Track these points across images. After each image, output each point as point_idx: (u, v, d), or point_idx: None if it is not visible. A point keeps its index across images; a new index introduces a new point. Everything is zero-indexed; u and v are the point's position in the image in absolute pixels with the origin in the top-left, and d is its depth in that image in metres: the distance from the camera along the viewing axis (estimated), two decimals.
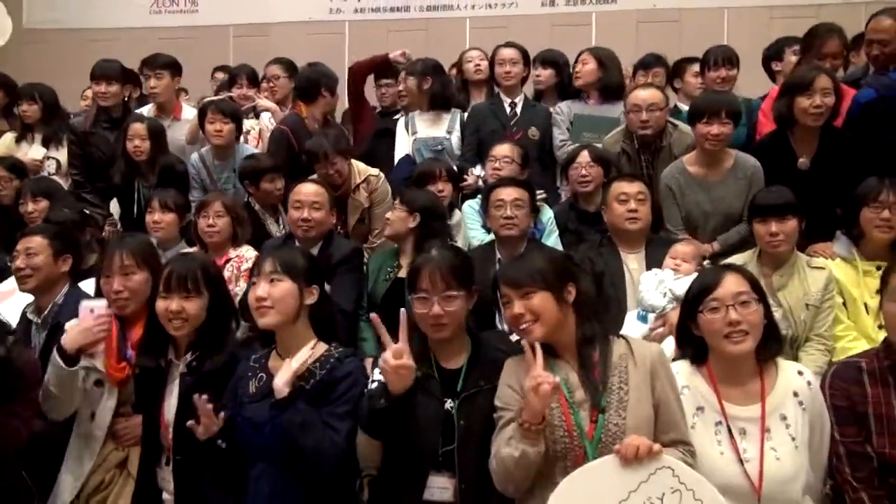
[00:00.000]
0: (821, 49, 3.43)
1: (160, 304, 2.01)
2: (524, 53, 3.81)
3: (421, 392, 1.76)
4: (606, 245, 2.85)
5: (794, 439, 1.78)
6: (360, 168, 3.35)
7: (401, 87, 4.13)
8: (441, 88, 3.76)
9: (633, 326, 2.55)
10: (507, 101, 3.70)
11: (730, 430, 1.80)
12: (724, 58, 3.69)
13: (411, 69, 3.85)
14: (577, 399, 1.73)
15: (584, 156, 3.20)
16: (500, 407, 1.76)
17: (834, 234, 2.83)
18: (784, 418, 1.80)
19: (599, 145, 3.35)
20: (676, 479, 1.53)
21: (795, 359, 2.45)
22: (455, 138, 3.70)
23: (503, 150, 3.25)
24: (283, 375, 1.81)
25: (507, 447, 1.67)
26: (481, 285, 1.97)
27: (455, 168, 3.44)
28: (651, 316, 2.56)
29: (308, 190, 2.83)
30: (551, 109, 3.74)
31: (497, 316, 2.46)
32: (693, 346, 1.89)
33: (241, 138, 3.83)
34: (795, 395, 1.82)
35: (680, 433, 1.73)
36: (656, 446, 1.57)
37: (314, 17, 6.75)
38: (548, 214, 3.24)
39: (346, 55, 6.25)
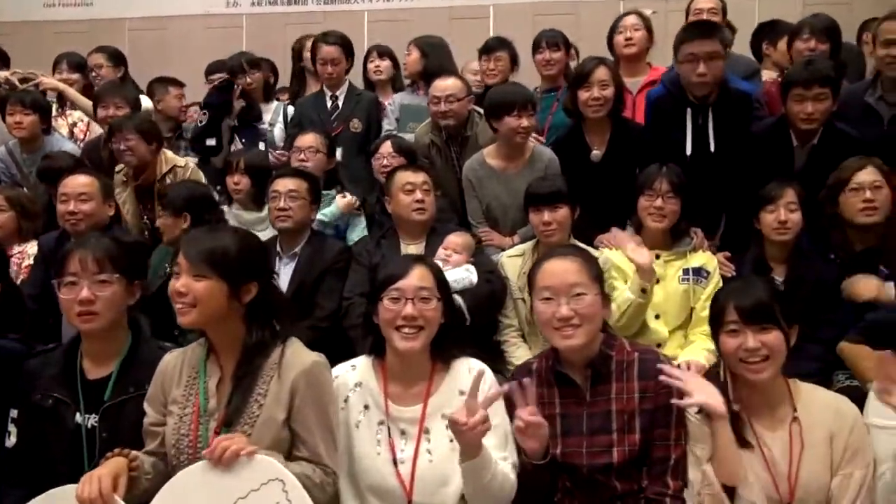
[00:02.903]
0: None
1: None
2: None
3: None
4: (389, 236, 2.80)
5: (452, 441, 1.70)
6: (168, 157, 3.29)
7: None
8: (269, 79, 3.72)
9: None
10: (328, 93, 3.64)
11: (389, 430, 1.73)
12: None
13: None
14: (211, 408, 1.63)
15: (387, 146, 3.16)
16: None
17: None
18: (446, 418, 1.71)
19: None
20: (284, 495, 1.45)
21: None
22: (278, 130, 3.65)
23: (307, 140, 3.19)
24: None
25: None
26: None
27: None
28: None
29: (74, 182, 2.74)
30: (385, 101, 3.70)
31: None
32: (374, 336, 1.81)
33: (69, 130, 3.75)
34: (462, 394, 1.74)
35: (312, 452, 1.61)
36: (249, 449, 1.47)
37: (211, 10, 6.66)
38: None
39: (244, 48, 6.17)
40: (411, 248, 2.73)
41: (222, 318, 1.62)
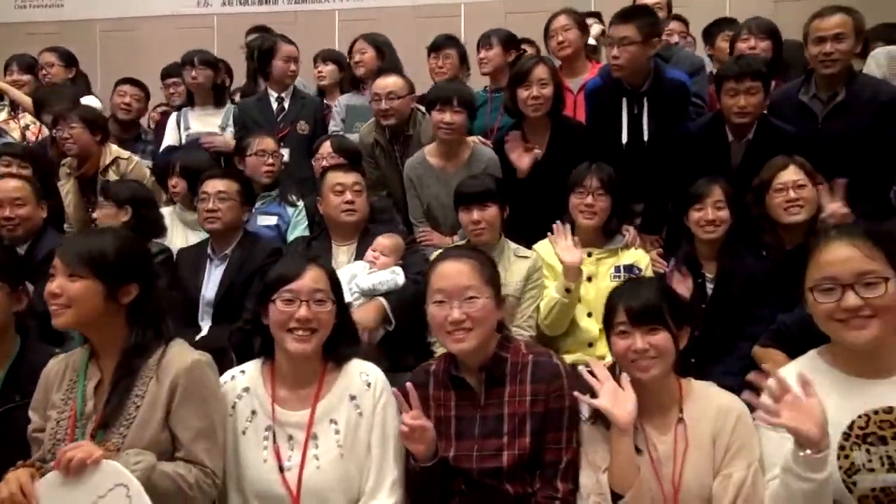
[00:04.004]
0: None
1: None
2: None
3: None
4: (321, 238, 2.77)
5: (340, 446, 1.69)
6: (112, 150, 3.29)
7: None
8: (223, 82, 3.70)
9: None
10: (273, 95, 3.61)
11: (276, 436, 1.70)
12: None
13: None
14: (88, 411, 1.60)
15: (326, 147, 3.14)
16: None
17: None
18: (334, 423, 1.71)
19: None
20: (128, 500, 1.43)
21: None
22: (229, 133, 3.62)
23: (269, 143, 3.16)
24: None
25: None
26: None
27: None
28: None
29: (6, 187, 2.72)
30: (332, 104, 3.69)
31: None
32: (262, 338, 1.78)
33: (20, 133, 3.74)
34: (353, 398, 1.73)
35: (189, 452, 1.59)
36: (95, 456, 1.45)
37: (182, 10, 6.67)
38: (298, 206, 3.16)
39: (216, 49, 6.13)
40: (343, 248, 2.71)
41: (101, 320, 1.60)
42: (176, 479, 1.51)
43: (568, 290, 2.46)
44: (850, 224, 1.66)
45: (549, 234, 2.57)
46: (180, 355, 1.64)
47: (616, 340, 1.70)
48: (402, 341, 2.50)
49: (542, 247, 2.67)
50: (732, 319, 2.46)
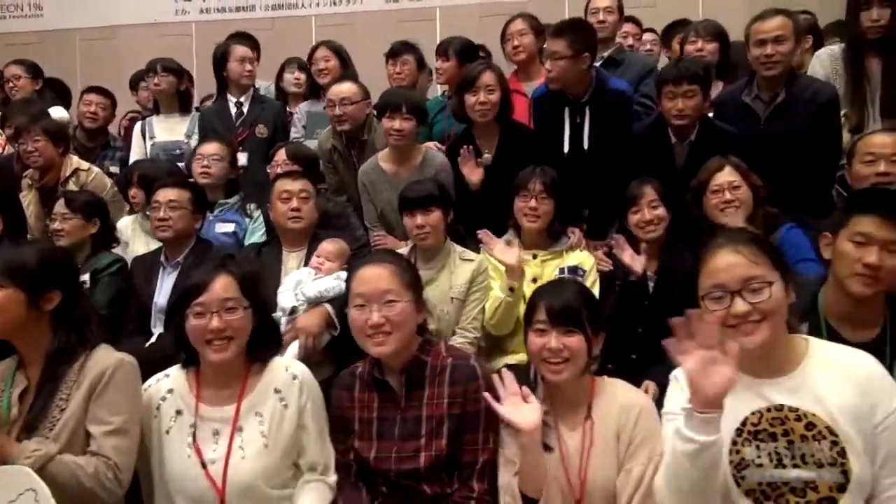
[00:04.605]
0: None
1: None
2: (258, 50, 3.77)
3: None
4: (272, 244, 2.81)
5: (265, 437, 1.73)
6: (73, 161, 3.33)
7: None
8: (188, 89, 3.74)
9: None
10: (233, 100, 3.66)
11: (199, 432, 1.75)
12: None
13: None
14: (13, 417, 1.65)
15: (281, 154, 3.17)
16: None
17: None
18: (259, 415, 1.75)
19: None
20: None
21: None
22: (195, 142, 3.65)
23: (211, 147, 3.21)
24: None
25: None
26: None
27: None
28: (284, 318, 2.52)
29: None
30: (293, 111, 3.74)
31: None
32: (184, 348, 1.82)
33: None
34: (277, 391, 1.78)
35: (97, 445, 1.63)
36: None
37: (160, 18, 6.72)
38: (256, 213, 3.19)
39: (194, 56, 6.20)
40: (292, 255, 2.75)
41: (25, 328, 1.65)
42: (74, 471, 1.55)
43: (512, 290, 2.50)
44: (735, 231, 1.69)
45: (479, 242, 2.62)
46: (104, 358, 1.68)
47: (532, 338, 1.74)
48: (347, 346, 2.53)
49: None
50: (672, 317, 2.49)
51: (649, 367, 2.36)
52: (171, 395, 1.79)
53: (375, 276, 1.77)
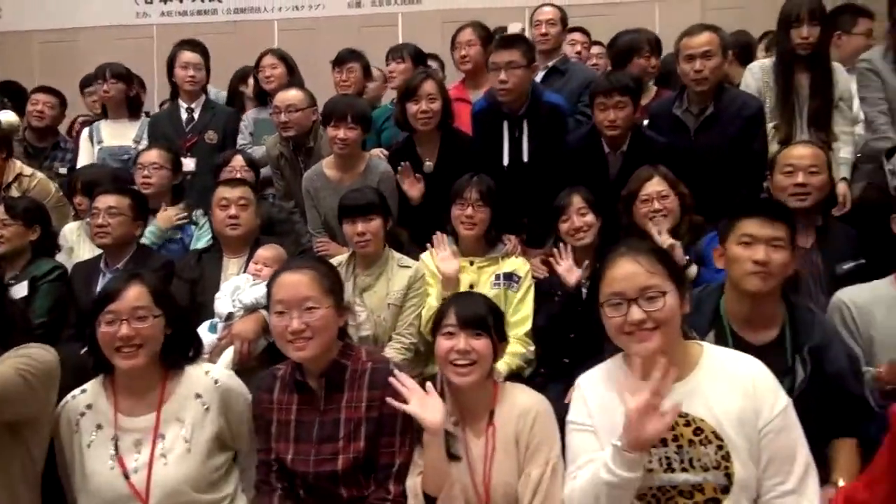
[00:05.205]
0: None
1: None
2: (207, 57, 3.79)
3: None
4: (213, 250, 2.84)
5: (187, 442, 1.77)
6: (16, 166, 3.32)
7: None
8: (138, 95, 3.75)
9: (203, 336, 2.52)
10: (184, 106, 3.67)
11: (121, 443, 1.77)
12: None
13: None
14: None
15: (238, 160, 3.22)
16: None
17: None
18: (181, 421, 1.79)
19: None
20: None
21: None
22: (143, 146, 3.64)
23: (150, 156, 3.22)
24: None
25: None
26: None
27: None
28: (220, 324, 2.55)
29: None
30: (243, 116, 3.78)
31: None
32: (95, 356, 1.83)
33: None
34: (199, 396, 1.81)
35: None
36: None
37: (121, 21, 6.68)
38: (202, 219, 3.22)
39: (155, 59, 6.17)
40: (233, 261, 2.78)
41: None
42: None
43: (445, 300, 2.55)
44: (635, 241, 1.76)
45: (428, 245, 2.66)
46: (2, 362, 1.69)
47: (441, 341, 1.80)
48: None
49: (429, 256, 2.77)
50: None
51: (579, 372, 2.42)
52: (89, 410, 1.81)
53: (295, 282, 1.81)
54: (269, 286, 1.89)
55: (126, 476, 1.74)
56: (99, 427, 1.79)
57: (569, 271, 2.60)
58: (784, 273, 1.84)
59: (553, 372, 2.60)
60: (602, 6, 6.07)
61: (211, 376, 1.84)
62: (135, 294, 1.77)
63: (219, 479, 1.82)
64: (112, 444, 1.76)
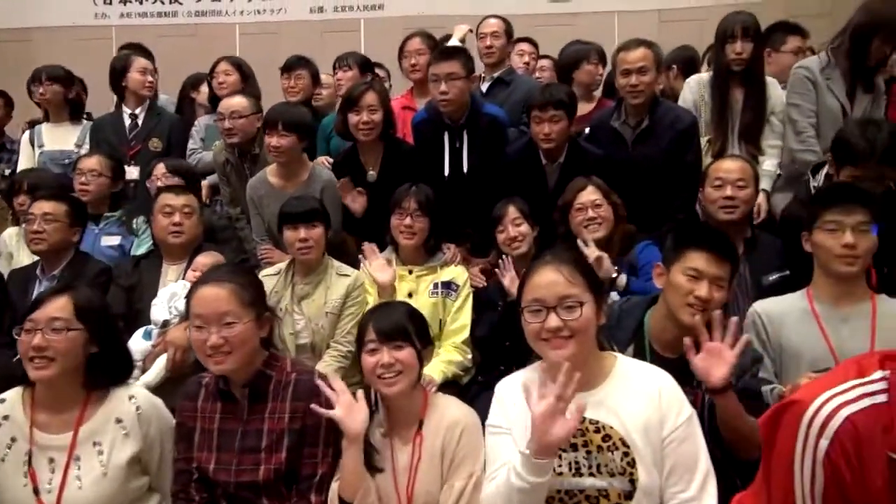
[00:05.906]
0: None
1: None
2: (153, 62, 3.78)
3: None
4: (151, 257, 2.83)
5: (104, 466, 1.76)
6: None
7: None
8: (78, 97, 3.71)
9: (137, 343, 2.52)
10: (127, 112, 3.65)
11: (34, 460, 1.75)
12: None
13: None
14: None
15: (160, 168, 3.20)
16: None
17: None
18: (98, 445, 1.77)
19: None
20: None
21: None
22: (84, 150, 3.62)
23: (90, 163, 3.19)
24: None
25: None
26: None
27: None
28: (155, 331, 2.54)
29: None
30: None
31: None
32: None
33: None
34: (119, 420, 1.80)
35: None
36: None
37: (79, 21, 6.58)
38: (143, 226, 3.20)
39: None
40: (172, 268, 2.77)
41: None
42: None
43: None
44: (560, 250, 1.79)
45: (360, 255, 2.69)
46: None
47: (366, 357, 1.82)
48: None
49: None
50: None
51: None
52: (6, 421, 1.79)
53: (213, 296, 1.78)
54: (187, 298, 1.87)
55: (36, 493, 1.72)
56: (13, 440, 1.77)
57: (512, 282, 2.63)
58: (717, 308, 1.85)
59: (490, 380, 2.63)
60: (563, 16, 6.16)
61: (134, 402, 1.82)
62: (57, 305, 1.76)
63: (137, 501, 1.81)
64: (25, 460, 1.74)
